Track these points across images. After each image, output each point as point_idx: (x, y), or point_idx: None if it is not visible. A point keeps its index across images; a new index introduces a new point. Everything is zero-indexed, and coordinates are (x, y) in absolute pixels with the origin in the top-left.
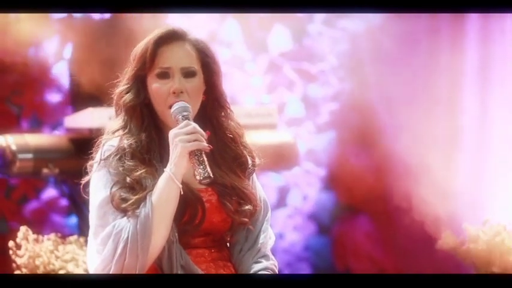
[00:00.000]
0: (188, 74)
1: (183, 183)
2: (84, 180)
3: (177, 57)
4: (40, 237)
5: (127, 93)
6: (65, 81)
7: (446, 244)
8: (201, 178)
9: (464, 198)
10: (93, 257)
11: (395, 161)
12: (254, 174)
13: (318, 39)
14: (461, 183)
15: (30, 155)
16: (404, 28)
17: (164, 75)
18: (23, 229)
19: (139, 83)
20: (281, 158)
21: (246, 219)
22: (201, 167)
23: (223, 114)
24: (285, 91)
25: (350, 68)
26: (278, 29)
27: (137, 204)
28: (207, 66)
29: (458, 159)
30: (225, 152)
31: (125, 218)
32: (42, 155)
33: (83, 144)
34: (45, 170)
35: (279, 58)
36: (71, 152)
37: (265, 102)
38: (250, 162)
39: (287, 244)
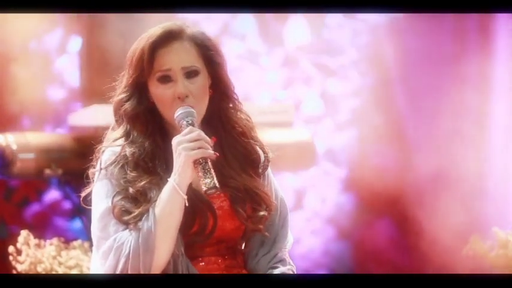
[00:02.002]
0: (191, 73)
1: (191, 190)
2: (84, 192)
3: (176, 58)
4: (42, 242)
5: (127, 101)
6: (68, 76)
7: (474, 250)
8: (207, 188)
9: (494, 201)
10: (96, 270)
11: (420, 161)
12: (270, 171)
13: (337, 31)
14: (491, 185)
15: (31, 155)
16: (430, 23)
17: (165, 78)
18: (23, 233)
19: (140, 89)
20: (298, 158)
21: (260, 226)
22: (207, 176)
23: (231, 105)
24: (302, 87)
25: (372, 62)
26: (295, 20)
27: (140, 217)
28: (210, 59)
29: (488, 160)
30: (235, 148)
31: (127, 231)
32: (44, 155)
33: (88, 144)
34: (47, 171)
35: (296, 51)
36: (75, 152)
37: (281, 98)
38: (262, 157)
39: (305, 249)
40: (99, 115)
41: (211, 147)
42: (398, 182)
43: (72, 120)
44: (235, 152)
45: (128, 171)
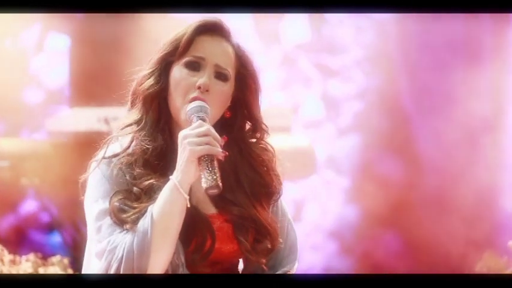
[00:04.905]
0: (220, 75)
1: (191, 207)
2: (81, 179)
3: (214, 51)
4: (17, 257)
5: (148, 79)
6: (46, 77)
7: (488, 266)
8: (208, 186)
9: (509, 211)
10: (89, 261)
11: (429, 169)
12: (281, 200)
13: (339, 28)
14: (505, 194)
15: (5, 163)
16: (439, 19)
17: (194, 65)
18: None
19: (163, 69)
20: (296, 166)
21: (263, 260)
22: (210, 173)
23: (255, 141)
24: (301, 88)
25: (376, 62)
26: (293, 16)
27: (139, 215)
28: (241, 78)
29: (501, 167)
30: (253, 178)
31: (122, 233)
32: (19, 163)
33: (67, 150)
34: (23, 180)
35: (294, 50)
36: (54, 159)
37: (277, 101)
38: (278, 191)
39: (304, 266)
40: (80, 119)
41: (220, 146)
42: (405, 192)
43: (50, 125)
44: (253, 182)
45: (136, 168)
